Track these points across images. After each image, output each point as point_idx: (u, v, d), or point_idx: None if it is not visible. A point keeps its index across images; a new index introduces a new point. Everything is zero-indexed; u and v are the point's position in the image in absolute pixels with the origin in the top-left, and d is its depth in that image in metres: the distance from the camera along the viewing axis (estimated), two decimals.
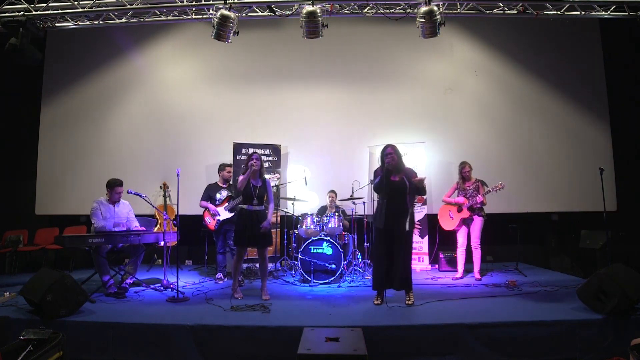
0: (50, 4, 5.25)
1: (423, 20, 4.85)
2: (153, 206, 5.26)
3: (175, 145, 7.02)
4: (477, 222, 5.33)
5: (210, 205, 5.50)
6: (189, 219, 6.20)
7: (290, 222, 6.14)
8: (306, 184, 6.06)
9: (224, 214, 5.43)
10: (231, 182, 5.78)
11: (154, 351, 3.33)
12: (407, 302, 4.06)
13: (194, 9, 5.44)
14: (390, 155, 4.13)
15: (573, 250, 6.56)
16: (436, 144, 6.90)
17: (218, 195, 5.57)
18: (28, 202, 6.92)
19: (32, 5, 5.20)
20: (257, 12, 5.49)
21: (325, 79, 7.14)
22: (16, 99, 7.19)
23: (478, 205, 5.32)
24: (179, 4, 5.28)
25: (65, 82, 7.11)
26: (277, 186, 6.47)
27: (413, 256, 6.33)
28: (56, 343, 2.75)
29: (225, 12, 4.90)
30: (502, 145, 6.97)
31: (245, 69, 7.16)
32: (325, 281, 5.12)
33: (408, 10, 5.27)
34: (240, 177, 4.42)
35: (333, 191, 6.27)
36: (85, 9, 5.25)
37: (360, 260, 5.80)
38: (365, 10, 5.47)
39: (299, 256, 5.21)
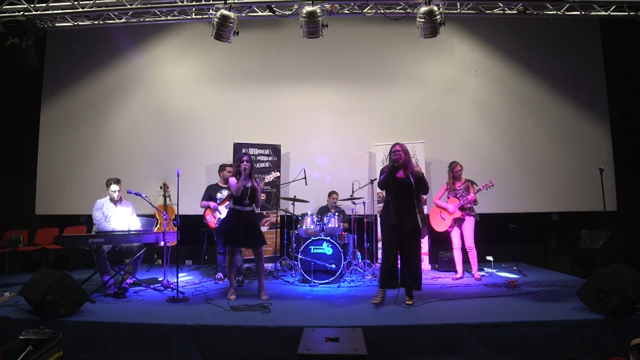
0: (50, 4, 5.25)
1: (423, 20, 4.85)
2: (153, 206, 5.26)
3: (175, 145, 7.02)
4: (469, 222, 5.34)
5: (211, 203, 5.50)
6: (189, 219, 6.21)
7: (290, 222, 6.13)
8: (306, 184, 6.06)
9: (224, 212, 5.41)
10: None
11: (154, 351, 3.33)
12: (407, 302, 4.06)
13: (194, 9, 5.44)
14: (397, 153, 4.14)
15: (573, 250, 6.56)
16: (436, 144, 6.89)
17: (219, 195, 5.57)
18: (28, 202, 6.93)
19: (32, 5, 5.20)
20: (257, 12, 5.49)
21: (325, 79, 7.14)
22: (16, 99, 7.19)
23: (469, 205, 5.32)
24: (179, 4, 5.28)
25: (65, 82, 7.11)
26: (277, 186, 6.48)
27: None
28: (56, 343, 2.74)
29: (225, 12, 4.90)
30: (502, 145, 6.97)
31: (245, 69, 7.16)
32: (325, 281, 5.12)
33: (408, 10, 5.27)
34: (233, 180, 4.38)
35: (335, 192, 6.27)
36: (85, 9, 5.25)
37: (360, 260, 5.80)
38: (365, 10, 5.47)
39: (299, 256, 5.21)
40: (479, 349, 3.29)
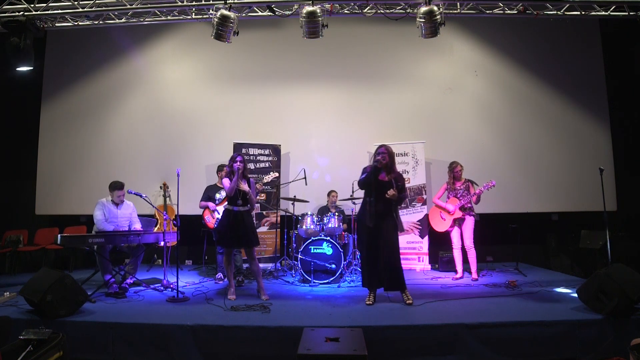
0: (50, 4, 5.25)
1: (423, 20, 4.85)
2: (153, 206, 5.27)
3: (175, 145, 7.02)
4: (469, 222, 5.34)
5: (210, 203, 5.50)
6: (189, 219, 6.21)
7: (290, 222, 6.14)
8: (306, 184, 6.06)
9: None
10: None
11: (154, 351, 3.33)
12: (406, 301, 4.06)
13: (194, 9, 5.44)
14: (382, 155, 4.13)
15: (573, 250, 6.56)
16: (436, 144, 6.89)
17: (218, 195, 5.57)
18: (28, 202, 6.93)
19: (32, 5, 5.20)
20: (257, 12, 5.49)
21: (325, 79, 7.14)
22: (16, 99, 7.19)
23: (469, 205, 5.32)
24: (179, 4, 5.28)
25: (65, 82, 7.11)
26: (277, 186, 6.48)
27: (413, 256, 6.40)
28: (56, 343, 2.74)
29: (225, 12, 4.90)
30: (501, 145, 6.97)
31: (245, 69, 7.16)
32: (325, 281, 5.12)
33: (408, 10, 5.28)
34: (227, 181, 4.37)
35: (334, 191, 6.28)
36: (85, 9, 5.25)
37: (360, 260, 5.80)
38: (365, 10, 5.47)
39: (299, 256, 5.21)
40: (478, 349, 3.29)
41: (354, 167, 6.88)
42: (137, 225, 5.04)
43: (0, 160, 7.10)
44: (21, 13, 5.16)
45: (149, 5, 5.30)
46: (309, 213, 5.57)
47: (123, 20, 5.57)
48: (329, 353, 2.65)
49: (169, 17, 5.57)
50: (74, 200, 6.83)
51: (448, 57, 7.14)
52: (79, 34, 6.73)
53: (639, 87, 6.77)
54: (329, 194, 6.30)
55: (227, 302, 4.15)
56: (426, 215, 6.47)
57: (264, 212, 6.56)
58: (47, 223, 6.91)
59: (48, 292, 3.49)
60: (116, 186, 4.86)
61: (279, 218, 6.50)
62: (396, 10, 5.40)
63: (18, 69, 5.34)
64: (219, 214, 5.43)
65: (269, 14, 5.38)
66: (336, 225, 5.38)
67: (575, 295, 3.94)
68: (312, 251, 5.20)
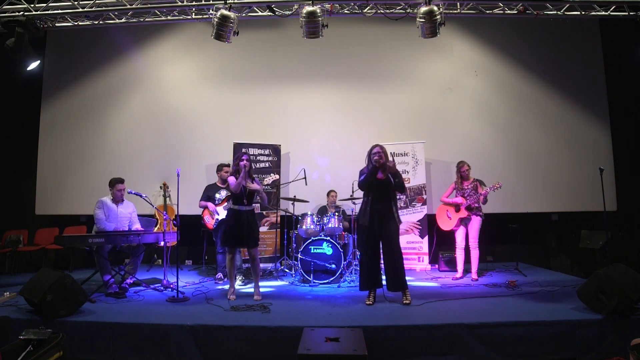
0: (50, 4, 5.25)
1: (423, 20, 4.85)
2: (153, 206, 5.27)
3: (175, 145, 7.02)
4: (475, 222, 5.33)
5: (210, 204, 5.50)
6: (189, 219, 6.21)
7: (290, 222, 6.14)
8: (306, 184, 6.06)
9: (222, 213, 5.43)
10: None
11: (154, 351, 3.33)
12: (404, 301, 4.06)
13: (194, 9, 5.44)
14: (378, 154, 4.16)
15: (573, 250, 6.56)
16: (436, 144, 6.89)
17: (217, 195, 5.57)
18: (28, 202, 6.92)
19: (32, 5, 5.20)
20: (257, 12, 5.49)
21: (325, 79, 7.14)
22: (16, 99, 7.19)
23: (477, 205, 5.32)
24: (179, 4, 5.28)
25: (65, 82, 7.11)
26: (277, 186, 6.48)
27: (413, 256, 6.39)
28: (56, 343, 2.74)
29: (225, 12, 4.90)
30: (501, 145, 6.97)
31: (245, 69, 7.16)
32: (325, 281, 5.12)
33: (408, 10, 5.28)
34: (232, 179, 4.38)
35: (333, 191, 6.29)
36: (85, 9, 5.25)
37: (359, 261, 5.79)
38: (365, 10, 5.47)
39: (299, 256, 5.21)
40: (479, 349, 3.29)
41: (354, 167, 6.84)
42: (137, 226, 5.03)
43: (0, 160, 7.10)
44: (21, 13, 5.16)
45: (149, 5, 5.30)
46: (309, 213, 5.57)
47: (123, 20, 5.57)
48: (329, 353, 2.65)
49: (169, 17, 5.57)
50: (74, 200, 6.83)
51: (448, 57, 7.14)
52: (79, 34, 6.74)
53: (639, 87, 6.76)
54: (328, 194, 6.30)
55: (227, 302, 4.14)
56: (426, 216, 6.47)
57: (264, 212, 6.56)
58: (47, 223, 6.91)
59: (48, 292, 3.49)
60: (117, 181, 4.87)
61: (279, 218, 6.50)
62: (396, 10, 5.40)
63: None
64: (218, 214, 5.43)
65: (269, 14, 5.38)
66: (336, 225, 5.38)
67: (576, 295, 3.93)
68: (312, 251, 5.20)
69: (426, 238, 6.42)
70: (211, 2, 5.14)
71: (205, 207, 5.55)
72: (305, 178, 5.96)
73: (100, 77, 7.13)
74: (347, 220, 6.02)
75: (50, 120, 7.08)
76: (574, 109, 6.98)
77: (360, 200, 5.78)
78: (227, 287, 4.63)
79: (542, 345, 3.32)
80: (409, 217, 6.50)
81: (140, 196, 4.87)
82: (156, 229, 5.58)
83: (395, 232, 4.15)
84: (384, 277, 4.23)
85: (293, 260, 5.73)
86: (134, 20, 5.56)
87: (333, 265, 5.14)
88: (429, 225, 6.44)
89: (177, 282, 4.49)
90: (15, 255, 6.27)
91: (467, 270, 5.52)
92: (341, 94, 7.14)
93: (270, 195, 6.58)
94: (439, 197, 5.99)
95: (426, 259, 6.38)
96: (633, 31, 5.57)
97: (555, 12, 5.40)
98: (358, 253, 5.85)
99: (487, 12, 5.54)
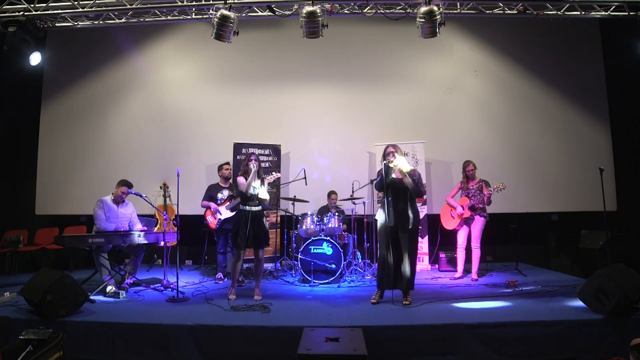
0: (50, 4, 5.25)
1: (423, 20, 4.85)
2: (153, 206, 5.26)
3: (175, 145, 7.02)
4: (478, 222, 5.32)
5: (212, 204, 5.50)
6: (189, 219, 6.21)
7: (290, 222, 6.13)
8: (306, 184, 6.06)
9: (225, 212, 5.44)
10: (232, 181, 5.78)
11: (154, 351, 3.33)
12: (404, 302, 4.06)
13: (194, 9, 5.44)
14: (392, 154, 4.18)
15: (573, 250, 6.56)
16: (436, 144, 6.89)
17: (220, 195, 5.57)
18: (28, 202, 6.92)
19: (32, 5, 5.20)
20: (257, 12, 5.49)
21: (325, 79, 7.14)
22: (16, 99, 7.19)
23: (480, 205, 5.31)
24: (179, 4, 5.28)
25: (65, 82, 7.11)
26: (277, 186, 6.48)
27: None
28: (56, 343, 2.74)
29: (225, 12, 4.90)
30: (501, 145, 6.97)
31: (245, 69, 7.15)
32: (325, 281, 5.12)
33: (408, 10, 5.27)
34: (241, 179, 4.40)
35: (334, 192, 6.27)
36: (85, 9, 5.25)
37: (360, 260, 5.80)
38: (365, 10, 5.47)
39: (299, 256, 5.21)
40: (479, 349, 3.29)
41: (354, 167, 6.91)
42: (139, 226, 5.03)
43: (0, 160, 7.10)
44: (21, 13, 5.16)
45: (149, 5, 5.30)
46: (309, 213, 5.57)
47: (123, 20, 5.57)
48: (329, 353, 2.64)
49: (169, 17, 5.57)
50: (74, 200, 6.83)
51: (448, 57, 7.14)
52: (79, 34, 6.73)
53: (639, 87, 6.76)
54: (329, 196, 6.29)
55: (227, 302, 4.14)
56: (426, 216, 6.47)
57: (264, 212, 6.55)
58: (47, 223, 6.91)
59: (48, 292, 3.49)
60: (125, 183, 4.90)
61: (279, 218, 6.50)
62: (396, 10, 5.40)
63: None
64: (220, 214, 5.43)
65: (269, 14, 5.38)
66: (336, 226, 5.38)
67: (575, 295, 3.93)
68: (312, 251, 5.20)
69: (426, 238, 6.42)
70: (211, 2, 5.14)
71: (208, 207, 5.55)
72: (305, 178, 5.96)
73: (100, 77, 7.13)
74: (346, 221, 6.01)
75: (50, 120, 7.08)
76: (574, 109, 6.98)
77: (360, 201, 5.85)
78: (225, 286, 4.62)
79: (542, 345, 3.32)
80: None
81: (141, 196, 4.87)
82: (156, 229, 5.57)
83: (413, 231, 4.14)
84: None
85: (293, 260, 5.73)
86: (134, 20, 5.56)
87: (333, 265, 5.14)
88: (429, 225, 6.44)
89: (177, 282, 4.49)
90: (15, 255, 6.26)
91: (467, 270, 5.52)
92: (341, 94, 7.14)
93: (271, 195, 6.57)
94: (439, 197, 6.00)
95: (426, 259, 6.38)
96: (633, 31, 5.56)
97: (555, 12, 5.39)
98: (358, 253, 5.87)
99: (487, 12, 5.54)
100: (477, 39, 7.12)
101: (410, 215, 4.14)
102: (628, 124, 6.95)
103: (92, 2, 5.20)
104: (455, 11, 5.49)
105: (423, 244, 6.43)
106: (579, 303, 3.79)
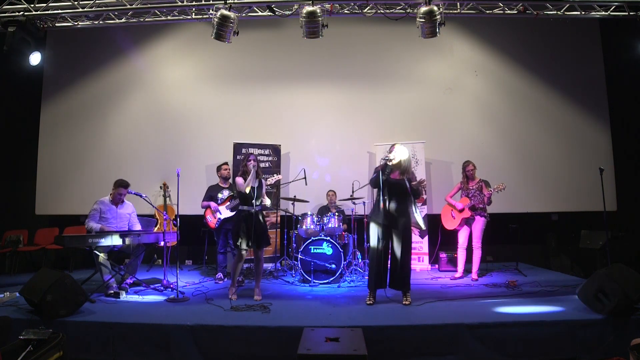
0: (50, 4, 5.25)
1: (423, 20, 4.85)
2: (153, 206, 5.26)
3: (175, 145, 7.02)
4: (479, 222, 5.32)
5: (212, 203, 5.50)
6: (189, 219, 6.21)
7: (290, 222, 6.13)
8: (306, 184, 6.06)
9: (225, 212, 5.44)
10: (232, 182, 5.79)
11: (154, 351, 3.33)
12: (404, 302, 4.06)
13: (194, 9, 5.44)
14: (393, 153, 4.16)
15: (573, 250, 6.56)
16: (436, 144, 6.89)
17: (220, 195, 5.57)
18: (28, 202, 6.92)
19: (32, 5, 5.20)
20: (257, 12, 5.49)
21: (325, 79, 7.14)
22: (16, 100, 7.18)
23: (481, 205, 5.30)
24: (179, 4, 5.28)
25: (65, 82, 7.11)
26: (277, 186, 6.48)
27: (413, 256, 6.37)
28: (56, 343, 2.74)
29: (225, 12, 4.90)
30: (502, 145, 6.97)
31: (245, 69, 7.16)
32: (325, 281, 5.12)
33: (408, 10, 5.27)
34: (240, 180, 4.39)
35: (331, 190, 6.28)
36: (85, 9, 5.25)
37: (360, 260, 5.80)
38: (365, 10, 5.47)
39: (299, 256, 5.21)
40: (479, 349, 3.29)
41: (354, 167, 6.91)
42: (138, 227, 5.03)
43: (0, 160, 7.10)
44: (21, 13, 5.16)
45: (149, 5, 5.30)
46: (309, 213, 5.57)
47: (123, 20, 5.57)
48: (329, 353, 2.64)
49: (169, 17, 5.57)
50: (74, 200, 6.83)
51: (448, 57, 7.14)
52: (79, 34, 6.73)
53: (639, 87, 6.76)
54: (327, 194, 6.29)
55: (227, 302, 4.14)
56: (426, 216, 6.47)
57: (264, 212, 6.55)
58: (47, 223, 6.91)
59: (48, 292, 3.49)
60: (121, 184, 4.86)
61: (279, 218, 6.50)
62: (396, 10, 5.40)
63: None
64: (220, 214, 5.43)
65: (269, 14, 5.38)
66: (336, 225, 5.38)
67: (575, 295, 3.93)
68: (312, 251, 5.20)
69: (426, 238, 6.42)
70: (211, 2, 5.14)
71: (208, 207, 5.55)
72: (305, 178, 5.96)
73: (100, 77, 7.13)
74: (346, 221, 6.01)
75: (50, 120, 7.08)
76: (574, 109, 6.98)
77: (360, 201, 5.85)
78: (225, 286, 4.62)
79: (542, 345, 3.32)
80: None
81: (140, 196, 4.87)
82: (156, 229, 5.57)
83: (406, 231, 4.12)
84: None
85: (293, 260, 5.73)
86: (134, 20, 5.56)
87: (333, 265, 5.14)
88: (429, 225, 6.43)
89: (177, 282, 4.49)
90: (15, 255, 6.26)
91: (467, 270, 5.52)
92: (341, 94, 7.14)
93: (271, 195, 6.57)
94: (438, 196, 6.00)
95: (426, 259, 6.39)
96: (633, 31, 5.56)
97: (555, 12, 5.39)
98: (358, 253, 5.87)
99: (487, 12, 5.54)
100: (477, 39, 7.12)
101: (410, 215, 4.13)
102: (628, 124, 6.95)
103: (92, 2, 5.20)
104: (455, 11, 5.49)
105: (423, 244, 6.43)
106: (579, 303, 3.79)
